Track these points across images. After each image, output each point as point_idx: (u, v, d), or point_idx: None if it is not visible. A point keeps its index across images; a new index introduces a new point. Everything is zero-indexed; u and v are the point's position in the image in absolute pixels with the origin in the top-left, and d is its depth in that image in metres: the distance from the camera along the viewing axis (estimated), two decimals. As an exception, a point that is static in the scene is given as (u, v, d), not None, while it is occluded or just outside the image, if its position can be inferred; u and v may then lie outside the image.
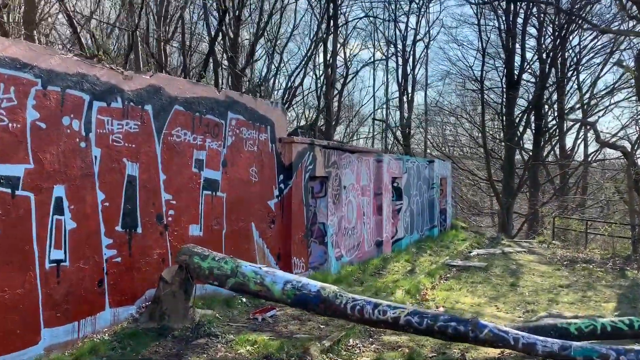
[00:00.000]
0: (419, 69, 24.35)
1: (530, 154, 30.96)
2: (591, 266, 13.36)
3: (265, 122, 9.21)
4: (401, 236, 14.96)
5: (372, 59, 24.05)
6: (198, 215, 7.72)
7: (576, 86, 33.23)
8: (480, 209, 39.36)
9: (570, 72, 32.64)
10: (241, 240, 8.59)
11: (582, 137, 34.73)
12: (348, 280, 10.43)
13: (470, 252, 15.32)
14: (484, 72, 29.16)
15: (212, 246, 7.92)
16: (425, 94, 25.23)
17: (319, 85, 16.13)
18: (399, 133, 22.60)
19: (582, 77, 33.40)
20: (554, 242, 18.64)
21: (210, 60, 13.37)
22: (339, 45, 17.44)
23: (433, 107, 26.98)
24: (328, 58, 15.14)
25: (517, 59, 29.81)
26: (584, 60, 31.53)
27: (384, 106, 22.06)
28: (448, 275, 12.07)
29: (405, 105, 21.31)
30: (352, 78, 22.68)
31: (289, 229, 9.73)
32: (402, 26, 21.63)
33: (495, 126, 37.68)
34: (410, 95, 21.44)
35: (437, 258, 13.80)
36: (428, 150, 35.14)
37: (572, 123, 33.34)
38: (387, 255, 13.68)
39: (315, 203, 10.98)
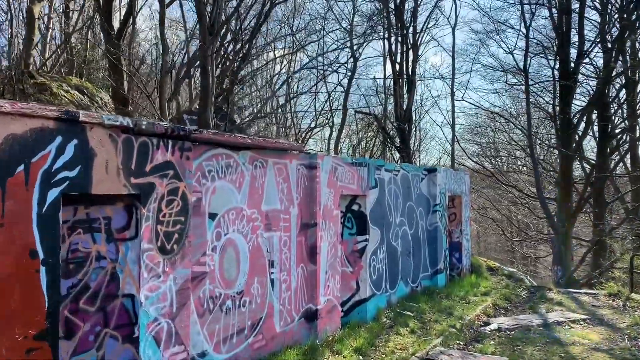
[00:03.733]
0: (423, 37, 17.99)
1: (594, 163, 23.91)
2: None
3: None
4: (366, 296, 8.83)
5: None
6: None
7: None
8: (534, 234, 31.94)
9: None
10: None
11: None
12: None
13: (486, 324, 8.99)
14: (529, 58, 22.49)
15: None
16: (453, 80, 18.93)
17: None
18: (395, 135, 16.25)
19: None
20: (633, 295, 11.89)
21: None
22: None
23: (458, 100, 20.64)
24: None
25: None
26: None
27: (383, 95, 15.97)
28: (419, 396, 5.91)
29: (405, 91, 15.19)
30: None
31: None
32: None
33: (546, 132, 30.69)
34: (409, 75, 15.24)
35: (417, 343, 7.59)
36: (468, 164, 28.69)
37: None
38: (328, 336, 7.63)
39: (116, 253, 5.19)
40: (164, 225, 5.36)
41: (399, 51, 15.04)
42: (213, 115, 8.09)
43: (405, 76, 15.04)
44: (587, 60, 25.94)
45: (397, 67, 15.03)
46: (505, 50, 22.71)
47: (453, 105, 20.87)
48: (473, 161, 26.12)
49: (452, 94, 20.60)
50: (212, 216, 6.07)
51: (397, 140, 15.44)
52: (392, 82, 15.27)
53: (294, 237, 7.40)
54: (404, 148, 14.92)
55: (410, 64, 15.06)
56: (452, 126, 21.02)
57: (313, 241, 7.64)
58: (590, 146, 30.31)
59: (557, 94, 23.75)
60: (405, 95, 15.34)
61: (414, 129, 21.08)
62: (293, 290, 7.32)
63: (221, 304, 6.18)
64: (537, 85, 26.34)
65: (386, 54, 16.43)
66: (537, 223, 33.64)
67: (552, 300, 11.50)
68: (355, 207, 8.94)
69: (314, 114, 20.68)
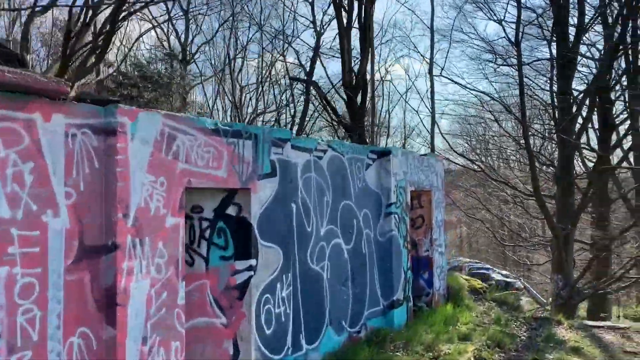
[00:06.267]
0: None
1: (598, 155, 20.27)
2: None
3: None
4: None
5: None
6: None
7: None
8: (527, 235, 28.02)
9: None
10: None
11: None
12: None
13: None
14: (521, 30, 18.77)
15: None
16: (432, 55, 15.25)
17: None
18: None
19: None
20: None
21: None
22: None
23: (437, 76, 17.01)
24: None
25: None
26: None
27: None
28: None
29: (357, 48, 11.39)
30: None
31: None
32: None
33: (542, 124, 27.08)
34: (363, 27, 11.34)
35: None
36: (455, 159, 25.04)
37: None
38: None
39: None
40: None
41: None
42: None
43: (358, 22, 11.13)
44: (587, 43, 22.54)
45: (346, 16, 11.17)
46: (493, 20, 18.87)
47: (432, 84, 17.31)
48: (458, 154, 22.39)
49: (431, 70, 17.06)
50: None
51: (347, 115, 11.63)
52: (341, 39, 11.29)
53: (59, 276, 3.59)
54: (355, 125, 11.09)
55: (363, 12, 11.16)
56: (432, 110, 17.40)
57: (110, 281, 3.83)
58: (586, 138, 26.75)
59: (555, 76, 20.16)
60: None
61: (385, 111, 17.39)
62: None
63: None
64: (531, 66, 22.82)
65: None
66: (531, 224, 30.01)
67: (565, 342, 7.78)
68: (231, 211, 5.13)
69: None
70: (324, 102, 12.16)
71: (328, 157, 6.55)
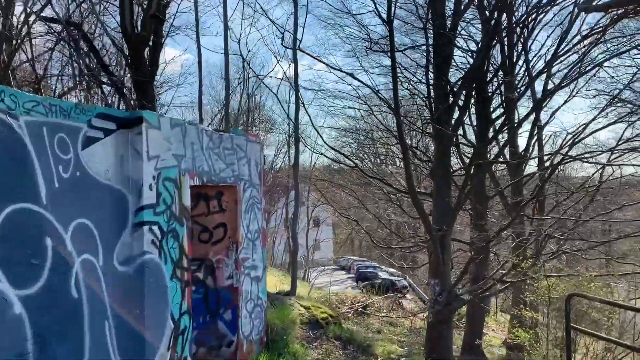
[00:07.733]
0: None
1: (475, 149, 18.86)
2: None
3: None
4: None
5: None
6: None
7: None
8: (407, 238, 26.20)
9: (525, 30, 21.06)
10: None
11: (537, 134, 23.43)
12: None
13: None
14: (394, 9, 16.65)
15: None
16: (296, 28, 12.48)
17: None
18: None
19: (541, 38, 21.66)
20: None
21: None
22: None
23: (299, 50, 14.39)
24: None
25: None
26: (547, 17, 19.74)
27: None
28: None
29: None
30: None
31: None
32: None
33: (422, 118, 25.75)
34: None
35: None
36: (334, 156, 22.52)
37: (529, 109, 21.82)
38: None
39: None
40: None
41: None
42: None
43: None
44: (465, 37, 21.31)
45: None
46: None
47: (295, 61, 14.63)
48: (330, 147, 19.98)
49: (294, 45, 14.36)
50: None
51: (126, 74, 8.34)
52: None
53: None
54: (139, 86, 7.77)
55: None
56: (296, 91, 14.71)
57: None
58: (462, 131, 25.98)
59: (430, 63, 18.37)
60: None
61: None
62: None
63: None
64: (408, 56, 21.01)
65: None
66: (415, 223, 28.57)
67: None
68: None
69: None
70: (86, 43, 8.46)
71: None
